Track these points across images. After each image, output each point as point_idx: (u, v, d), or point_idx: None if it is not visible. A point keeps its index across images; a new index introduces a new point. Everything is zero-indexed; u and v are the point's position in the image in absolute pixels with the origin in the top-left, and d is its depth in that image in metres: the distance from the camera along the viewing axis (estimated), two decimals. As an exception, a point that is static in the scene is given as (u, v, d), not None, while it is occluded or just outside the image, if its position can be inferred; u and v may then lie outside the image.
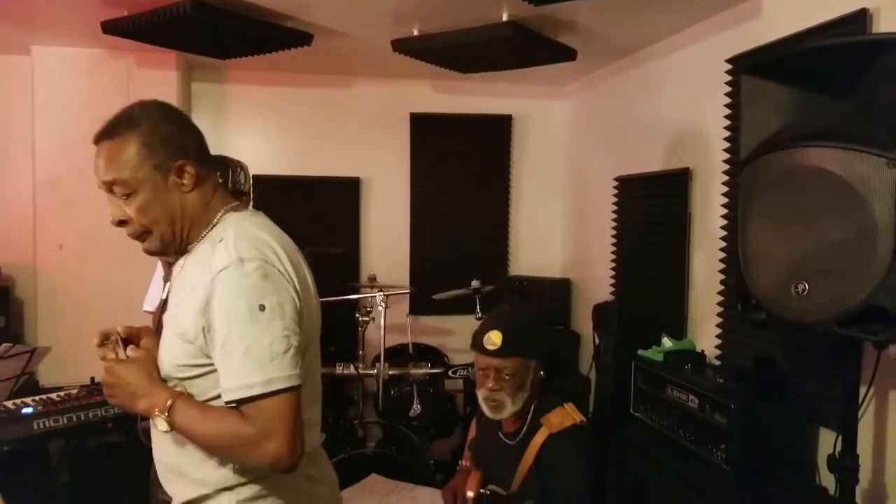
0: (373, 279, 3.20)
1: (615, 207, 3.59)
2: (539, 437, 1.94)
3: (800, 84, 1.82)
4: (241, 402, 1.21)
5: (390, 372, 2.99)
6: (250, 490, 1.30)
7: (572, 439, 1.92)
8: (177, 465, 1.32)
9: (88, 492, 2.79)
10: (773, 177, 1.79)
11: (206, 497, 1.30)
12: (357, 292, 3.18)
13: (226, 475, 1.29)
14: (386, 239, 4.17)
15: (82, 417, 2.65)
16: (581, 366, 3.91)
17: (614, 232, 3.60)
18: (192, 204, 1.35)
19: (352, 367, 2.99)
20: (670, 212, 3.02)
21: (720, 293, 2.68)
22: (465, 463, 2.25)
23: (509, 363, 1.94)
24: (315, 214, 3.95)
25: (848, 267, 1.61)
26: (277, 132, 4.12)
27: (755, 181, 1.85)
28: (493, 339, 1.94)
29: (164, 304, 1.40)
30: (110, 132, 1.32)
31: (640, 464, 2.53)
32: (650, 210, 3.24)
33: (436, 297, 3.16)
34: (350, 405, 3.49)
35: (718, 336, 2.68)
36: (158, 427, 1.25)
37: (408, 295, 3.81)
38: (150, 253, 1.41)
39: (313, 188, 4.02)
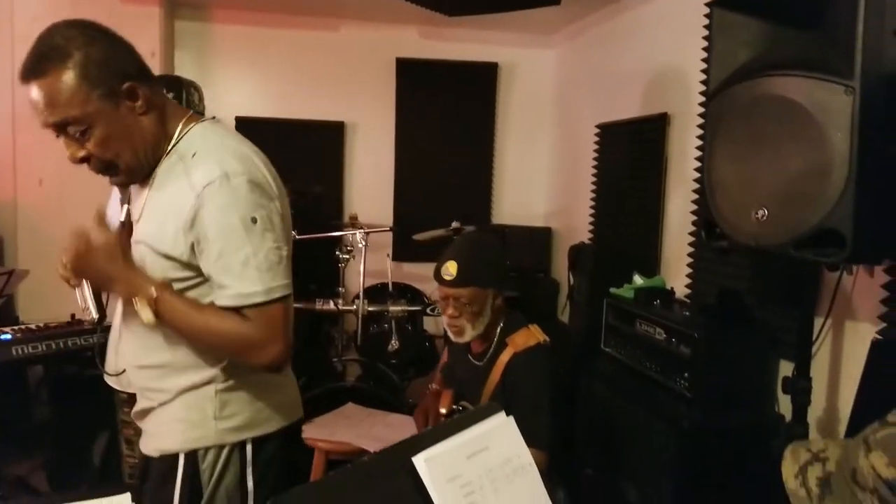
0: (354, 219, 3.24)
1: (596, 155, 3.63)
2: (504, 357, 2.02)
3: (767, 16, 1.85)
4: (240, 309, 1.28)
5: (369, 308, 3.05)
6: (227, 382, 1.37)
7: (535, 357, 2.00)
8: (162, 362, 1.38)
9: (67, 419, 2.84)
10: (738, 107, 1.83)
11: (187, 390, 1.36)
12: (339, 231, 3.21)
13: (207, 370, 1.36)
14: (370, 183, 4.20)
15: (61, 345, 2.70)
16: (560, 313, 3.99)
17: (594, 179, 3.64)
18: (149, 125, 1.32)
19: (331, 302, 3.05)
20: (647, 156, 3.06)
21: (692, 234, 2.74)
22: (434, 386, 2.32)
23: (465, 292, 2.01)
24: (299, 157, 3.96)
25: (805, 192, 1.66)
26: (262, 74, 4.10)
27: (722, 112, 1.90)
28: (450, 269, 2.00)
29: (126, 226, 1.40)
30: (40, 69, 1.21)
31: (610, 396, 2.61)
32: (629, 156, 3.28)
33: (416, 237, 3.20)
34: (330, 345, 3.56)
35: (689, 275, 2.75)
36: (143, 317, 1.26)
37: (391, 242, 3.86)
38: (121, 185, 1.41)
39: (298, 131, 4.02)
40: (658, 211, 2.95)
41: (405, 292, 3.35)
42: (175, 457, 1.36)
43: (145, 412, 1.43)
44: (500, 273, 2.11)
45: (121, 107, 1.27)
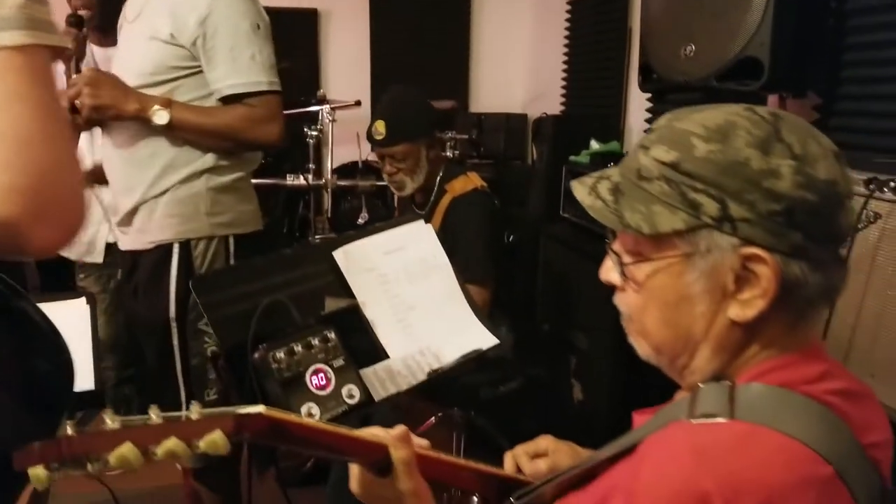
0: (322, 98, 3.28)
1: (567, 32, 3.62)
2: (444, 203, 2.12)
3: None
4: (245, 96, 1.55)
5: (339, 183, 3.14)
6: (216, 182, 1.59)
7: (472, 200, 2.10)
8: (153, 155, 1.56)
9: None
10: (671, -54, 1.86)
11: (187, 179, 1.57)
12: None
13: (204, 162, 1.57)
14: (346, 71, 4.19)
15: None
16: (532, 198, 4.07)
17: (566, 59, 3.66)
18: None
19: (302, 178, 3.14)
20: (613, 27, 3.07)
21: (649, 100, 2.78)
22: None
23: (397, 149, 2.09)
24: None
25: (728, 25, 1.71)
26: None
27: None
28: (379, 128, 2.08)
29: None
30: None
31: (567, 257, 2.73)
32: (595, 28, 3.29)
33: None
34: (306, 226, 3.66)
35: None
36: (158, 120, 1.48)
37: (365, 124, 3.90)
38: None
39: (272, 18, 3.99)
40: (622, 83, 2.99)
41: (375, 170, 3.43)
42: (170, 246, 1.57)
43: (131, 214, 1.61)
44: (429, 124, 2.18)
45: None
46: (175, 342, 1.59)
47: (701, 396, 0.71)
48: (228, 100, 1.57)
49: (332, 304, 1.28)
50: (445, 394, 2.11)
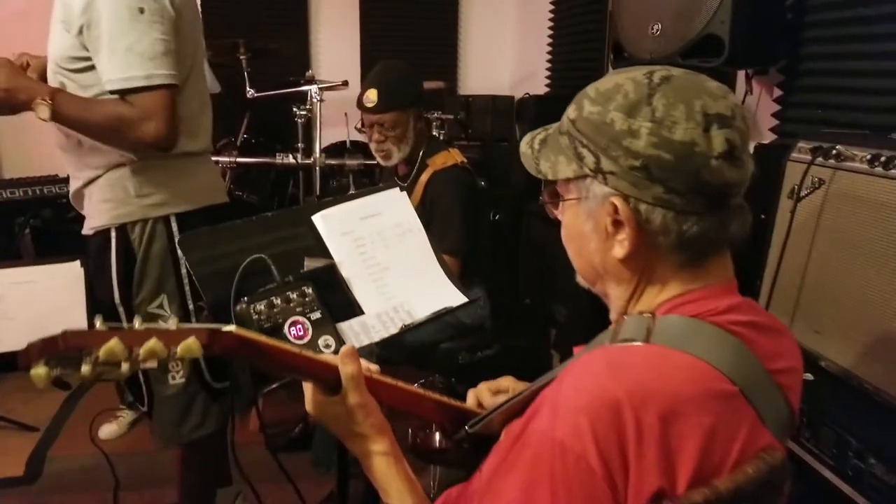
0: (311, 78, 3.34)
1: (551, 15, 3.69)
2: (425, 176, 2.20)
3: None
4: (123, 93, 1.42)
5: (327, 161, 3.21)
6: (140, 164, 1.54)
7: (452, 175, 2.18)
8: (78, 144, 1.54)
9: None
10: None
11: (105, 167, 1.54)
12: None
13: (118, 152, 1.52)
14: (336, 55, 4.25)
15: (38, 192, 2.91)
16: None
17: (550, 41, 3.73)
18: None
19: (290, 156, 3.21)
20: (594, 9, 3.14)
21: (628, 79, 2.86)
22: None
23: (388, 117, 2.15)
24: (264, 21, 4.00)
25: (691, 5, 1.79)
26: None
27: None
28: (370, 96, 2.14)
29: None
30: None
31: (547, 233, 2.82)
32: (578, 10, 3.36)
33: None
34: (295, 204, 3.73)
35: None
36: (40, 114, 1.38)
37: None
38: None
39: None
40: (602, 59, 3.06)
41: (364, 148, 3.50)
42: (108, 231, 1.56)
43: (79, 197, 1.63)
44: (418, 96, 2.26)
45: None
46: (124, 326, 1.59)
47: (624, 325, 0.81)
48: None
49: (310, 264, 1.37)
50: (427, 361, 2.20)
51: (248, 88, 3.29)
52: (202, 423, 1.66)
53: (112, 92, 1.43)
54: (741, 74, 2.16)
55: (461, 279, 1.73)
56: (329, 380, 0.86)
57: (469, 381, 2.25)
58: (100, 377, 0.65)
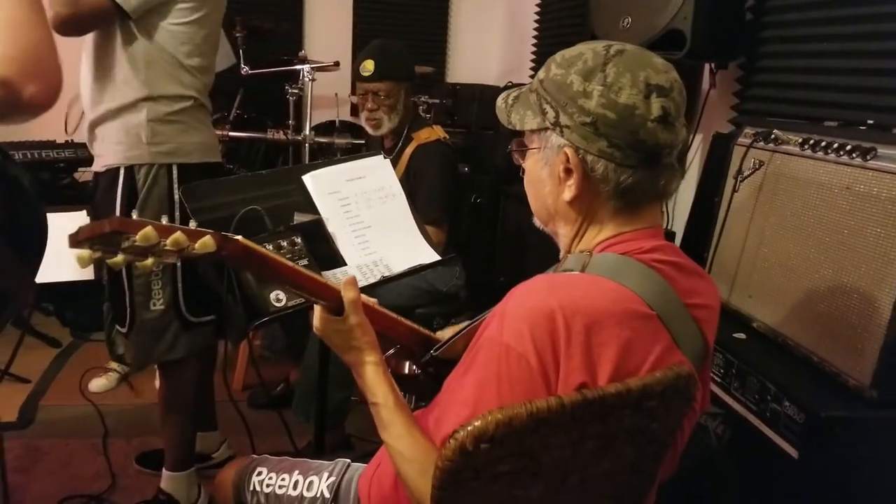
0: (304, 58, 3.47)
1: (538, 8, 3.84)
2: (409, 149, 2.35)
3: None
4: None
5: (316, 139, 3.35)
6: (155, 115, 1.72)
7: (434, 149, 2.34)
8: (103, 81, 1.71)
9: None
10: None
11: (123, 107, 1.71)
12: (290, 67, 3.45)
13: (139, 90, 1.70)
14: (327, 35, 4.36)
15: (35, 156, 3.02)
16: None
17: (536, 33, 3.88)
18: None
19: (281, 132, 3.34)
20: (577, 2, 3.29)
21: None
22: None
23: (383, 85, 2.30)
24: (255, 9, 4.11)
25: (658, 2, 1.95)
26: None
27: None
28: (368, 66, 2.29)
29: None
30: None
31: (524, 213, 2.98)
32: (562, 3, 3.51)
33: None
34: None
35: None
36: None
37: (346, 85, 4.09)
38: None
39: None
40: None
41: (353, 128, 3.64)
42: (117, 170, 1.74)
43: (92, 138, 1.79)
44: (411, 70, 2.42)
45: None
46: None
47: (567, 261, 0.97)
48: None
49: (299, 218, 1.51)
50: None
51: (242, 65, 3.41)
52: (172, 347, 1.85)
53: None
54: (707, 69, 2.33)
55: (443, 252, 1.88)
56: (333, 302, 1.02)
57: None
58: (129, 264, 0.79)
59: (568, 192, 0.95)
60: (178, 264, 1.78)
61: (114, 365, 2.88)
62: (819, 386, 1.32)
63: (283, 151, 3.63)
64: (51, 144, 3.12)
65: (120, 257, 0.78)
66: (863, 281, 1.29)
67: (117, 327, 1.89)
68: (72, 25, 1.58)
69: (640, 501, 1.02)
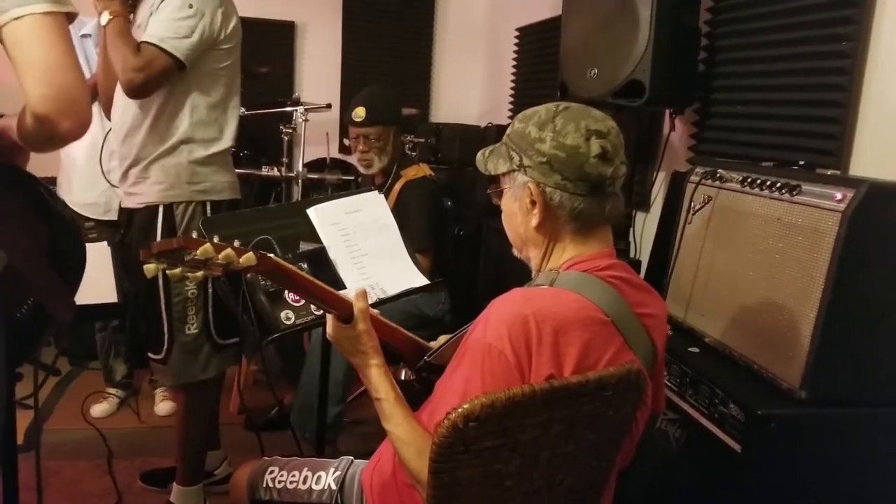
0: (297, 100, 3.70)
1: (515, 55, 4.12)
2: (398, 185, 2.57)
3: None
4: (140, 44, 1.83)
5: (309, 176, 3.56)
6: (196, 157, 1.93)
7: (421, 185, 2.57)
8: (142, 125, 1.92)
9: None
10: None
11: (165, 152, 1.91)
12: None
13: (180, 135, 1.90)
14: (318, 78, 4.60)
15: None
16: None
17: (513, 77, 4.15)
18: None
19: (275, 169, 3.54)
20: (550, 52, 3.56)
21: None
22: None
23: (373, 130, 2.54)
24: (253, 53, 4.33)
25: (621, 53, 2.20)
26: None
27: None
28: (359, 112, 2.52)
29: None
30: None
31: (505, 244, 3.19)
32: (537, 52, 3.78)
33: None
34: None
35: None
36: (102, 20, 1.85)
37: (336, 126, 4.32)
38: None
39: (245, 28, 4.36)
40: (555, 95, 3.47)
41: (342, 165, 3.86)
42: (156, 207, 1.93)
43: (126, 176, 1.99)
44: (399, 115, 2.66)
45: None
46: (160, 285, 1.96)
47: (538, 277, 1.17)
48: None
49: (305, 246, 1.70)
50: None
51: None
52: (205, 367, 2.03)
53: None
54: (667, 114, 2.58)
55: (430, 277, 2.07)
56: (345, 312, 1.22)
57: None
58: (184, 277, 0.98)
59: (534, 220, 1.17)
60: (210, 291, 1.97)
61: (112, 390, 3.01)
62: (758, 389, 1.52)
63: (277, 187, 3.83)
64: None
65: (178, 269, 0.97)
66: (792, 298, 1.50)
67: (150, 355, 2.05)
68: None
69: (600, 483, 1.20)
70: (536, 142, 1.14)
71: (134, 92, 1.82)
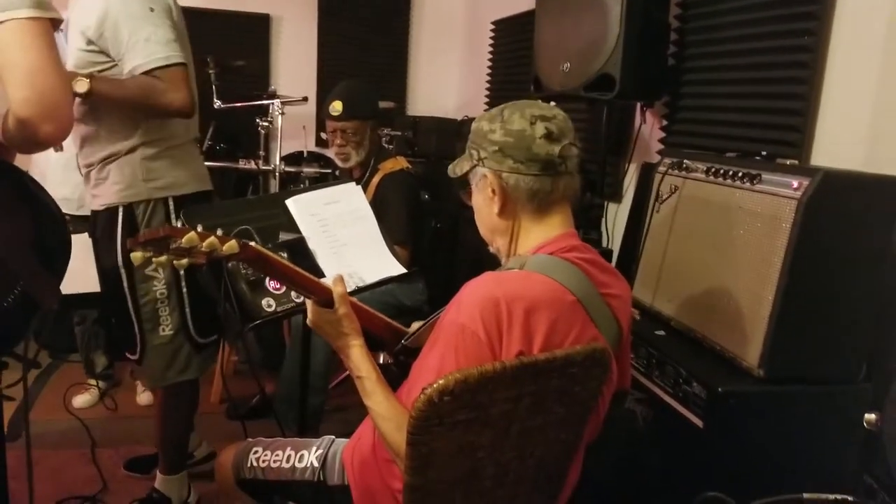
0: (273, 93, 3.72)
1: (490, 49, 4.17)
2: (376, 179, 2.61)
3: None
4: (149, 72, 1.78)
5: (286, 169, 3.59)
6: (149, 153, 1.90)
7: (399, 177, 2.61)
8: (96, 132, 1.89)
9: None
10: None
11: (119, 154, 1.89)
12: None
13: (134, 140, 1.88)
14: (295, 74, 4.62)
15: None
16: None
17: (489, 70, 4.20)
18: None
19: (252, 163, 3.57)
20: (523, 46, 3.62)
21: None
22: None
23: (350, 124, 2.58)
24: (227, 46, 4.34)
25: (593, 48, 2.26)
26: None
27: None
28: (336, 107, 2.56)
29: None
30: None
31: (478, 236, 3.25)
32: (511, 46, 3.84)
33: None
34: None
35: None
36: (78, 88, 1.72)
37: (312, 119, 4.35)
38: None
39: (223, 20, 4.38)
40: (529, 89, 3.53)
41: (319, 158, 3.89)
42: (116, 208, 1.92)
43: (87, 180, 1.98)
44: (376, 109, 2.69)
45: None
46: (125, 287, 1.94)
47: (508, 262, 1.24)
48: None
49: (284, 236, 1.74)
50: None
51: (215, 99, 3.63)
52: (185, 369, 2.02)
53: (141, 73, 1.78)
54: (638, 107, 2.66)
55: (409, 268, 2.12)
56: (325, 297, 1.27)
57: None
58: (170, 263, 1.03)
59: (496, 206, 1.25)
60: (185, 290, 1.97)
61: (93, 382, 3.03)
62: (720, 369, 1.60)
63: (254, 180, 3.85)
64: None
65: (164, 257, 1.02)
66: (752, 283, 1.58)
67: (128, 355, 2.04)
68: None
69: (568, 455, 1.27)
70: (488, 133, 1.23)
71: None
